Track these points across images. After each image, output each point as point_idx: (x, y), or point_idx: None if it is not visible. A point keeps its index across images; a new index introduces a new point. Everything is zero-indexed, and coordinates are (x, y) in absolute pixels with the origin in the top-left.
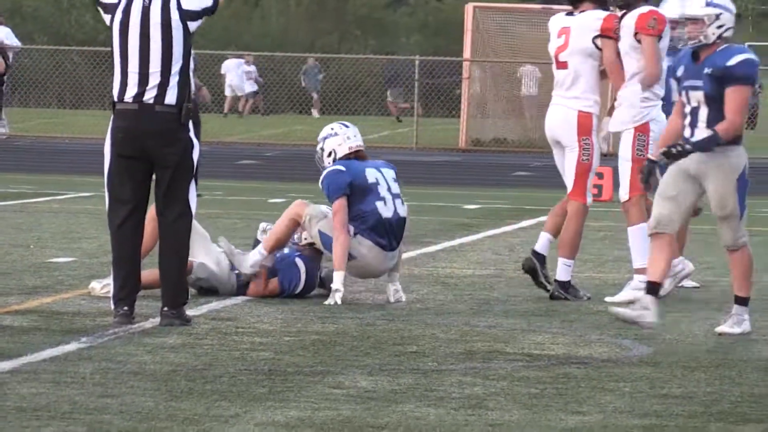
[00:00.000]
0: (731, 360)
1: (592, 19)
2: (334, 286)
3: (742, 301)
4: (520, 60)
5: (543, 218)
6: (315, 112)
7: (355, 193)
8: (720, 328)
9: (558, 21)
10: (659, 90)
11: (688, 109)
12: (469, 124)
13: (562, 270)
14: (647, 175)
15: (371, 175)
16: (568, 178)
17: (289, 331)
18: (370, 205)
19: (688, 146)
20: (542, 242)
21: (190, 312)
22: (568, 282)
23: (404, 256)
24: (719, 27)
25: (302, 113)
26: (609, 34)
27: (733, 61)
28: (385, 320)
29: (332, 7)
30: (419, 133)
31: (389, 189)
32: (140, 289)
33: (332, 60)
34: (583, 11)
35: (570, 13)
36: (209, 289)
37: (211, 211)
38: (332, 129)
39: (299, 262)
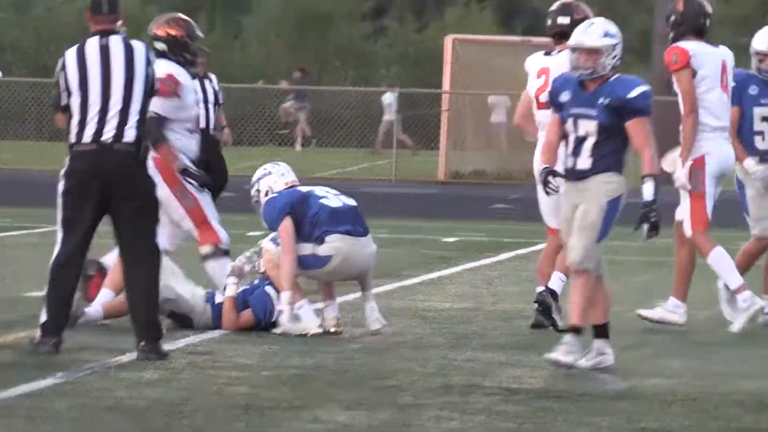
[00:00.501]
0: (708, 394)
1: None
2: (279, 307)
3: (574, 330)
4: (499, 92)
5: (521, 251)
6: (297, 146)
7: (297, 209)
8: (552, 356)
9: (537, 61)
10: (714, 120)
11: (572, 138)
12: (448, 156)
13: (556, 283)
14: (545, 180)
15: (304, 189)
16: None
17: (267, 366)
18: (315, 207)
19: (654, 206)
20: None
21: (166, 346)
22: (557, 295)
23: (382, 288)
24: (614, 57)
25: (281, 145)
26: None
27: (633, 93)
28: (362, 354)
29: (312, 38)
30: (398, 165)
31: (327, 191)
32: (68, 323)
33: (312, 91)
34: (562, 50)
35: (548, 53)
36: (184, 321)
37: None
38: (265, 169)
39: (270, 290)
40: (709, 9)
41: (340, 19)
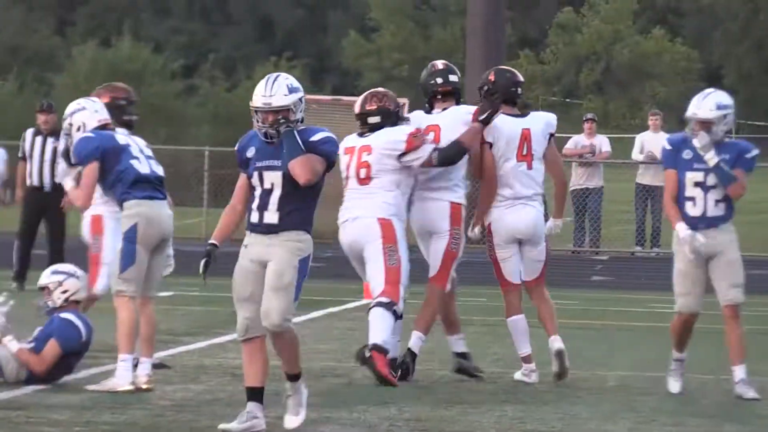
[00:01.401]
0: None
1: (463, 112)
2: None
3: (294, 378)
4: None
5: (333, 309)
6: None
7: (108, 157)
8: (287, 424)
9: (422, 120)
10: (505, 190)
11: (258, 192)
12: None
13: (417, 343)
14: (205, 264)
15: (121, 138)
16: (433, 264)
17: (79, 421)
18: (125, 164)
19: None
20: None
21: None
22: (416, 355)
23: (194, 346)
24: (301, 111)
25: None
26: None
27: (316, 137)
28: (174, 411)
29: None
30: (208, 223)
31: (141, 151)
32: None
33: None
34: (446, 108)
35: (429, 112)
36: None
37: None
38: (79, 104)
39: (67, 315)
40: (520, 78)
41: (152, 77)
